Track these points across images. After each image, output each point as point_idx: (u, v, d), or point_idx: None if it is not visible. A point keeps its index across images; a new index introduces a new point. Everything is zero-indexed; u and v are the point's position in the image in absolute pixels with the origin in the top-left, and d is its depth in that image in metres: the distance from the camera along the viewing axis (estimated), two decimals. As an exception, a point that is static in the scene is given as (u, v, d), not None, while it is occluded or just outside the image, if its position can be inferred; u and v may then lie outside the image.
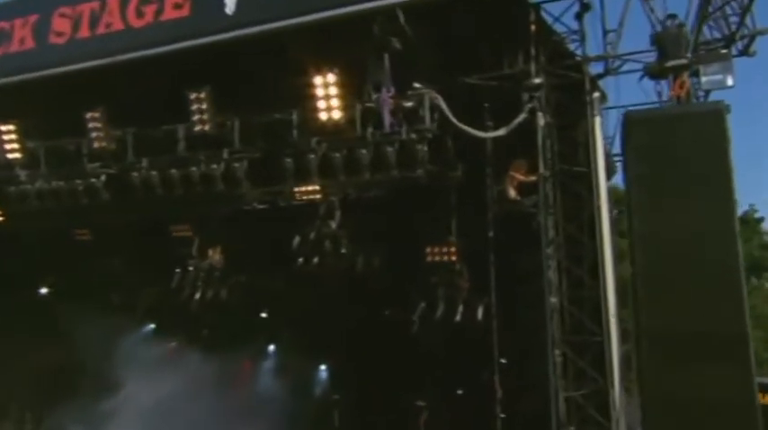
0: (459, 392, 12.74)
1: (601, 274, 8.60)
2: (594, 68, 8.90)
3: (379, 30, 8.15)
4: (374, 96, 8.45)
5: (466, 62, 8.93)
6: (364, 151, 8.67)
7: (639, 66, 8.55)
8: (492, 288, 9.55)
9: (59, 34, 9.56)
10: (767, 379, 9.52)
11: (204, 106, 9.13)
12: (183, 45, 8.90)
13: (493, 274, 9.50)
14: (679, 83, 7.89)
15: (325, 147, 8.89)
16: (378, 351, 12.40)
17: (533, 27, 8.74)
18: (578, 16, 8.88)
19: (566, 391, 8.41)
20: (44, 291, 13.52)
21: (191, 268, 12.02)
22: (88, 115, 9.69)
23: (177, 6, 8.94)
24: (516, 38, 8.85)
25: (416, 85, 8.64)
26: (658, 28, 8.25)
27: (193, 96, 9.15)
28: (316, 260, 10.67)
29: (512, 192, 9.18)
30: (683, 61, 7.82)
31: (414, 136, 8.52)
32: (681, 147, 7.71)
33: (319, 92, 8.53)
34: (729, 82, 8.03)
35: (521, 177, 9.15)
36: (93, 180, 9.95)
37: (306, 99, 8.67)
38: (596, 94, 8.88)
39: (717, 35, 8.37)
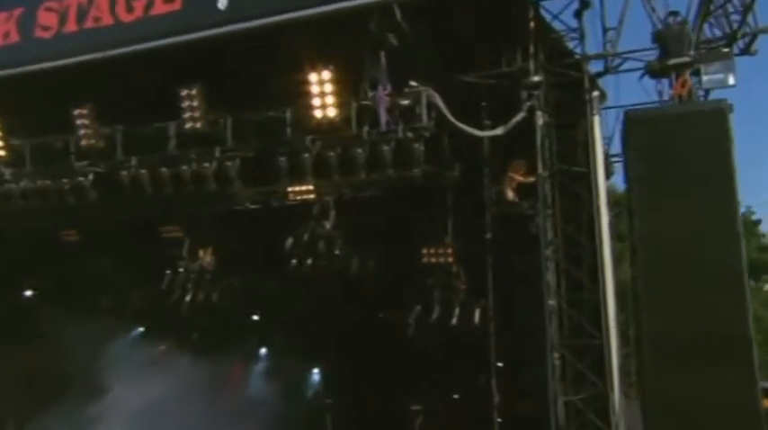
0: (456, 396, 12.65)
1: (600, 277, 8.53)
2: (594, 67, 8.89)
3: (376, 26, 8.01)
4: (370, 94, 8.33)
5: (463, 60, 8.85)
6: (360, 150, 8.55)
7: (639, 64, 8.51)
8: (489, 290, 9.48)
9: (45, 28, 9.34)
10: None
11: (195, 103, 8.97)
12: (174, 40, 8.71)
13: (490, 276, 9.43)
14: (681, 81, 7.80)
15: (320, 145, 8.77)
16: (372, 354, 12.28)
17: (532, 24, 8.64)
18: (577, 14, 8.84)
19: (564, 396, 8.34)
20: (29, 293, 13.25)
21: (181, 270, 11.85)
22: (76, 112, 9.50)
23: (168, 0, 8.73)
24: (515, 35, 8.78)
25: (413, 83, 8.49)
26: (659, 26, 8.15)
27: (184, 93, 8.98)
28: (309, 261, 10.56)
29: (510, 194, 9.08)
30: (686, 59, 7.73)
31: (410, 134, 8.41)
32: (683, 146, 7.64)
33: (314, 89, 8.41)
34: (731, 81, 7.96)
35: (519, 178, 9.07)
36: (81, 179, 9.76)
37: (300, 96, 8.54)
38: (595, 93, 8.82)
39: (718, 33, 8.29)
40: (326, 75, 8.33)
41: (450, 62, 8.76)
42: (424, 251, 10.20)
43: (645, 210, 7.78)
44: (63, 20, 9.24)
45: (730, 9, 8.10)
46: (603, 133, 9.16)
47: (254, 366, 14.71)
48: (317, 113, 8.47)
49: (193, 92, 8.95)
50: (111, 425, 11.65)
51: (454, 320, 10.04)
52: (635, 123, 7.99)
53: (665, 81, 8.11)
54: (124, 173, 9.52)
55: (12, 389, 12.72)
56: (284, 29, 8.35)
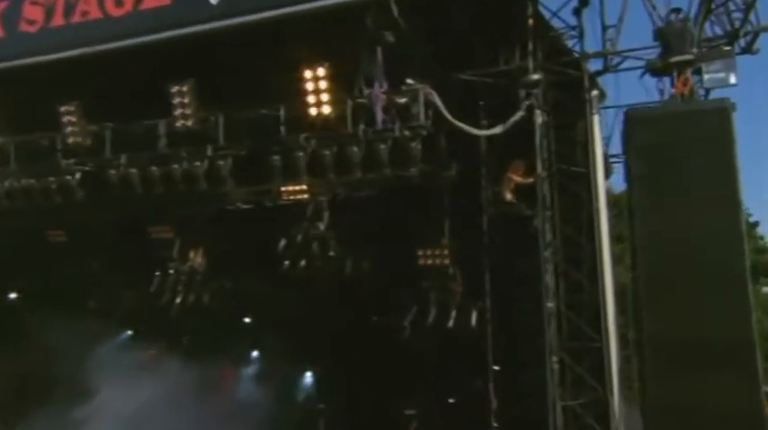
0: (451, 400, 12.55)
1: (600, 279, 8.42)
2: (593, 65, 8.84)
3: (372, 22, 7.86)
4: (366, 91, 8.19)
5: (461, 57, 8.77)
6: (355, 149, 8.37)
7: (640, 63, 8.44)
8: (486, 292, 9.38)
9: (31, 22, 9.16)
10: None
11: (187, 100, 8.78)
12: (164, 35, 8.55)
13: (487, 278, 9.30)
14: (683, 80, 7.70)
15: (315, 144, 8.58)
16: (367, 357, 12.17)
17: (531, 22, 8.53)
18: (577, 11, 8.81)
19: (563, 400, 8.25)
20: (13, 295, 12.98)
21: (171, 271, 11.65)
22: (62, 109, 9.29)
23: (158, -6, 8.54)
24: (513, 33, 8.70)
25: (409, 80, 8.34)
26: (659, 23, 8.04)
27: (175, 90, 8.78)
28: (303, 263, 10.41)
29: (508, 195, 8.95)
30: (689, 57, 7.64)
31: (407, 133, 8.24)
32: (685, 146, 7.57)
33: (309, 86, 8.24)
34: (732, 80, 7.88)
35: (518, 179, 8.95)
36: (68, 177, 9.53)
37: (294, 94, 8.37)
38: (595, 92, 8.75)
39: (719, 32, 8.20)
40: (321, 71, 8.17)
41: (448, 60, 8.67)
42: (420, 252, 10.06)
43: (646, 211, 7.71)
44: (49, 14, 9.06)
45: (732, 7, 8.03)
46: (602, 133, 9.08)
47: (246, 369, 14.57)
48: (312, 111, 8.32)
49: (185, 88, 8.76)
50: (99, 428, 11.46)
51: (450, 323, 9.90)
52: (636, 122, 7.90)
53: (666, 80, 8.01)
54: (113, 171, 9.30)
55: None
56: (278, 24, 8.21)
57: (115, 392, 11.61)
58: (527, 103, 8.54)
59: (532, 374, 8.71)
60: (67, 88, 9.12)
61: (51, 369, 11.93)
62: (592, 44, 8.64)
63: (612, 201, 10.17)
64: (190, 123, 8.88)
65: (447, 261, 9.90)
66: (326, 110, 8.28)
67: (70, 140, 9.40)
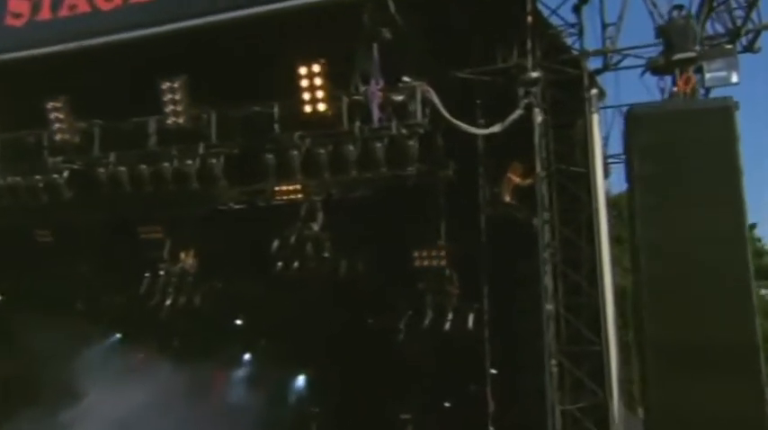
0: (447, 404, 12.42)
1: (599, 281, 8.31)
2: (593, 64, 8.79)
3: (369, 18, 7.74)
4: (362, 89, 8.05)
5: (458, 54, 8.67)
6: (351, 147, 8.25)
7: (640, 61, 8.37)
8: (484, 295, 9.27)
9: (16, 16, 8.98)
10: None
11: (178, 97, 8.60)
12: (155, 30, 8.40)
13: (484, 280, 9.20)
14: (684, 78, 7.60)
15: (309, 142, 8.44)
16: (361, 360, 12.03)
17: (529, 19, 8.43)
18: (576, 9, 8.79)
19: (562, 404, 8.16)
20: (-1, 297, 12.75)
21: (161, 272, 11.56)
22: (49, 105, 9.10)
23: (149, -12, 8.36)
24: (511, 30, 8.62)
25: (406, 78, 8.18)
26: (660, 21, 7.95)
27: (166, 86, 8.60)
28: (296, 264, 10.31)
29: (507, 197, 8.82)
30: (691, 54, 7.53)
31: (404, 131, 8.12)
32: (687, 146, 7.49)
33: (303, 83, 8.10)
34: (734, 78, 7.80)
35: (517, 179, 8.82)
36: (55, 176, 9.36)
37: (289, 90, 8.20)
38: (594, 91, 8.67)
39: (720, 30, 8.11)
40: (317, 68, 8.03)
41: (445, 57, 8.56)
42: (416, 254, 9.97)
43: (647, 212, 7.61)
44: (36, 7, 8.90)
45: (734, 5, 7.94)
46: (601, 132, 8.97)
47: (238, 372, 14.39)
48: (307, 108, 8.18)
49: (176, 85, 8.58)
50: (86, 431, 11.29)
51: (447, 326, 9.79)
52: (637, 122, 7.79)
53: (667, 78, 7.91)
54: (101, 170, 9.13)
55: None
56: (273, 19, 8.06)
57: (103, 395, 11.51)
58: (526, 101, 8.47)
59: (531, 378, 8.61)
60: (55, 84, 8.93)
61: (38, 372, 11.77)
62: (591, 42, 8.64)
63: (612, 202, 10.07)
64: (181, 120, 8.71)
65: (443, 262, 9.81)
66: (322, 107, 8.15)
67: (57, 137, 9.23)
